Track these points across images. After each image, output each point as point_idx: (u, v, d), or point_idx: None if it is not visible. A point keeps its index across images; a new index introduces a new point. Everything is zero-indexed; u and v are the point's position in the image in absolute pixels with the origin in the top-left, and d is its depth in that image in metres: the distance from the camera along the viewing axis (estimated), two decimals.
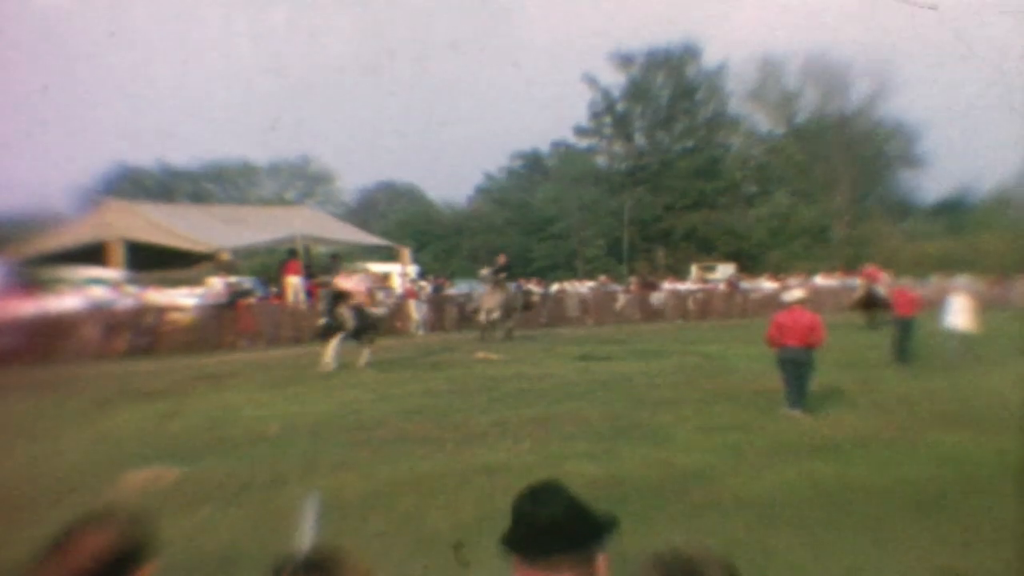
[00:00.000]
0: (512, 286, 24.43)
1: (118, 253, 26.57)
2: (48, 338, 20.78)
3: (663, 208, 53.39)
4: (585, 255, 52.80)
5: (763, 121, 56.50)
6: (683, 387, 13.66)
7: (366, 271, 24.90)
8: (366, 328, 17.09)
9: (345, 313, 16.62)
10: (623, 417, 11.09)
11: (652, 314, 32.79)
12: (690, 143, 55.25)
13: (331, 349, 16.38)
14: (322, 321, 16.95)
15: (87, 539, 2.20)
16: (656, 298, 33.86)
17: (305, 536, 4.19)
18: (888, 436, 9.75)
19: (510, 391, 13.51)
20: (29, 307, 21.71)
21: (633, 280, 38.29)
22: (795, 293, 12.61)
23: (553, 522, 2.14)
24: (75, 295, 23.55)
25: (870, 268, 28.94)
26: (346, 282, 17.07)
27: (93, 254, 26.48)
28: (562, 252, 53.26)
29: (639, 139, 56.42)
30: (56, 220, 33.25)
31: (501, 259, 24.67)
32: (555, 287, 35.97)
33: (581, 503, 2.20)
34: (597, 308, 32.44)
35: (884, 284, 26.97)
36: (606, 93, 55.49)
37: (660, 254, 53.34)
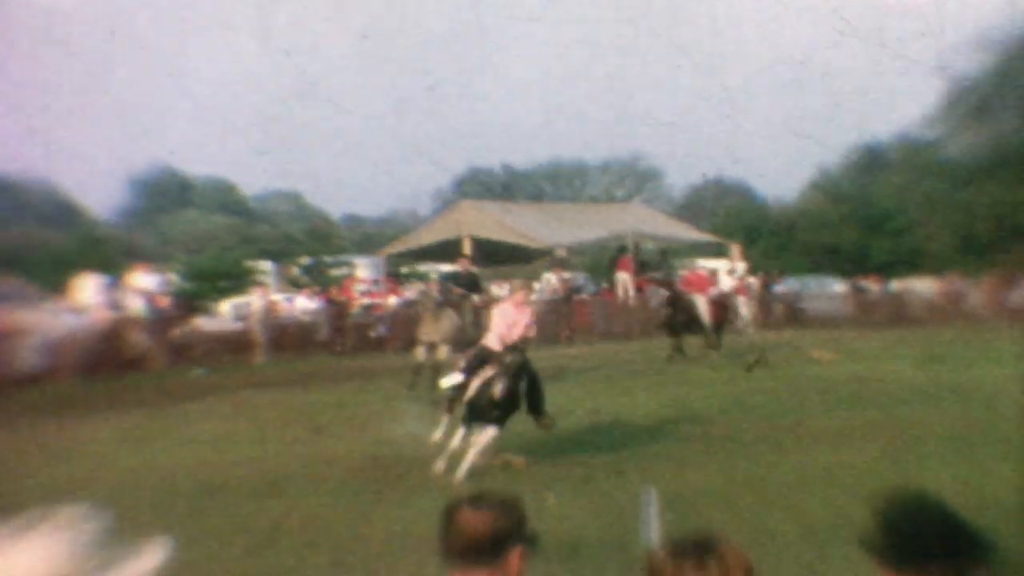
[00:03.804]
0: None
1: (467, 249, 28.74)
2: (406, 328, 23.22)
3: None
4: (932, 251, 48.98)
5: None
6: None
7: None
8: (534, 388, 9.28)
9: (496, 376, 8.72)
10: (980, 426, 10.11)
11: (1011, 315, 29.79)
12: None
13: (480, 448, 8.65)
14: (455, 380, 9.28)
15: (467, 516, 2.43)
16: (1016, 298, 30.78)
17: (648, 528, 4.33)
18: None
19: (846, 393, 12.92)
20: (394, 299, 24.48)
21: (988, 278, 35.02)
22: None
23: (930, 532, 2.16)
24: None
25: (691, 274, 22.03)
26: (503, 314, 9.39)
27: (448, 251, 28.96)
28: (904, 248, 49.83)
29: (997, 128, 51.32)
30: (418, 220, 36.65)
31: (462, 264, 17.94)
32: (895, 284, 33.90)
33: (958, 516, 2.21)
34: (944, 308, 30.12)
35: (705, 295, 19.46)
36: (960, 81, 50.99)
37: (1021, 250, 48.21)
